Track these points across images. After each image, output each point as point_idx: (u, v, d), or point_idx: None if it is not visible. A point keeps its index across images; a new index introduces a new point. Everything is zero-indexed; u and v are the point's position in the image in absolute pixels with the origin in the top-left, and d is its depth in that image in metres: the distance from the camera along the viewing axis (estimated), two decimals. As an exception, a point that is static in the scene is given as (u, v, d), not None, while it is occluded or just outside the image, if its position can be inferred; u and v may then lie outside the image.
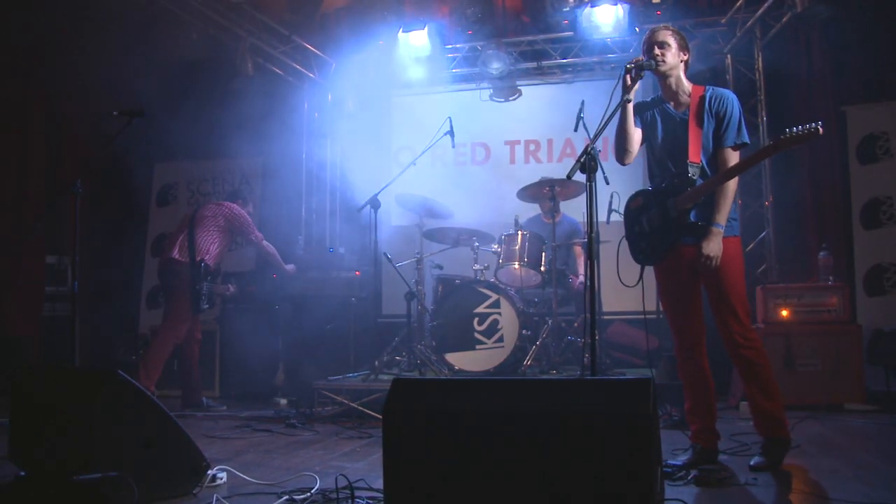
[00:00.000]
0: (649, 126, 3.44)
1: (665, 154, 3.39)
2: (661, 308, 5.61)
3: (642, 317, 6.64)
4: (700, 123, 3.29)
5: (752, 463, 3.26)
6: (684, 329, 3.38)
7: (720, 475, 3.04)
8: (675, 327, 3.42)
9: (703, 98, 3.30)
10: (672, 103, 3.38)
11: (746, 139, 3.26)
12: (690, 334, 3.37)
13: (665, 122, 3.39)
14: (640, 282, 3.40)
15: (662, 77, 3.34)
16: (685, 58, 3.35)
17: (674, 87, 3.35)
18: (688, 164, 3.25)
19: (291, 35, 6.98)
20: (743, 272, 3.34)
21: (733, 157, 3.25)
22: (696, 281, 3.35)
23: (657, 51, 3.29)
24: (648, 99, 3.50)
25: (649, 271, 3.51)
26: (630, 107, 3.33)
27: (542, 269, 5.32)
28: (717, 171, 3.23)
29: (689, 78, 3.39)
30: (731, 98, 3.29)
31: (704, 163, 3.27)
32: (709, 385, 3.38)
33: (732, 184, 3.22)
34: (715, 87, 3.35)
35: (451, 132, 5.38)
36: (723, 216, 3.19)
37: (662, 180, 3.37)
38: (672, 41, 3.31)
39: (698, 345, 3.37)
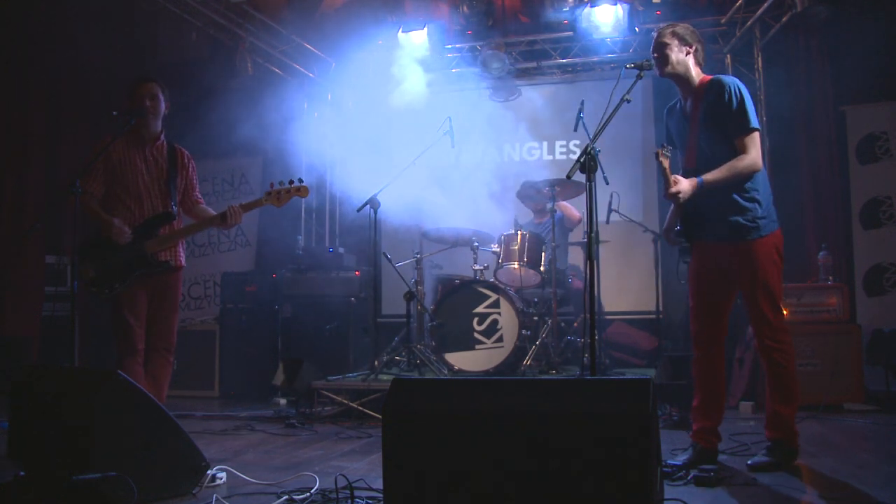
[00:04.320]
0: (671, 121, 3.47)
1: (680, 153, 3.41)
2: (660, 308, 5.66)
3: (642, 317, 6.68)
4: (696, 122, 3.28)
5: (749, 462, 3.25)
6: (705, 325, 3.35)
7: (720, 475, 3.04)
8: (697, 322, 3.38)
9: (702, 91, 3.28)
10: (684, 100, 3.39)
11: (752, 124, 3.13)
12: (710, 331, 3.34)
13: (679, 121, 3.42)
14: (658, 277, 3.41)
15: (670, 78, 3.35)
16: (692, 50, 3.29)
17: (682, 84, 3.35)
18: (684, 169, 3.26)
19: (291, 35, 6.98)
20: (776, 272, 3.28)
21: (744, 147, 3.13)
22: (727, 281, 3.31)
23: (656, 54, 3.31)
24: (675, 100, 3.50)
25: (652, 269, 3.52)
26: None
27: (542, 269, 5.32)
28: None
29: None
30: (727, 84, 3.18)
31: (703, 165, 3.22)
32: (720, 385, 3.36)
33: (745, 165, 3.12)
34: (717, 77, 3.26)
35: (450, 132, 5.38)
36: (712, 177, 3.11)
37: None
38: (671, 40, 3.28)
39: (716, 344, 3.35)
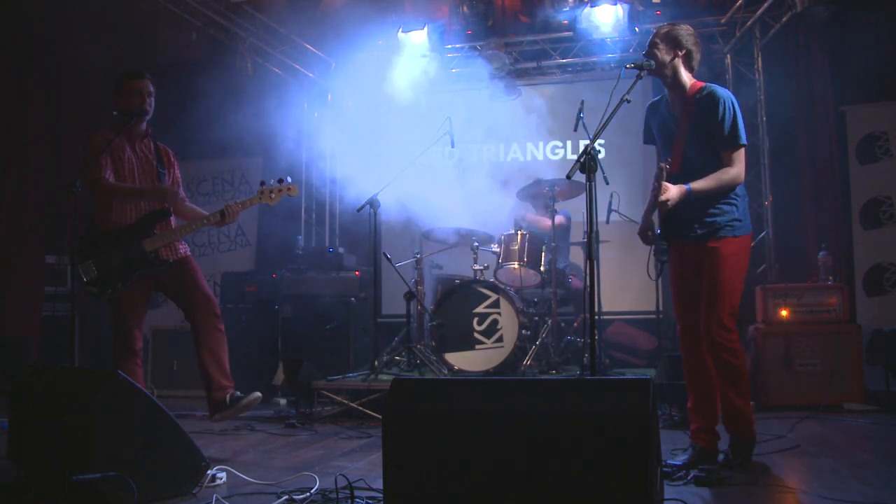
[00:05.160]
0: (654, 120, 3.48)
1: (663, 154, 3.43)
2: (660, 308, 5.65)
3: (642, 317, 6.67)
4: (685, 129, 3.30)
5: (718, 459, 3.28)
6: (689, 325, 3.37)
7: (720, 475, 3.04)
8: (681, 322, 3.41)
9: (693, 99, 3.29)
10: (672, 102, 3.39)
11: (741, 140, 3.21)
12: (695, 331, 3.35)
13: (664, 122, 3.42)
14: (658, 276, 3.47)
15: (658, 78, 3.36)
16: (681, 54, 3.29)
17: (670, 86, 3.36)
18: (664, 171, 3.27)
19: (291, 35, 6.98)
20: (740, 274, 3.29)
21: (731, 161, 3.21)
22: (701, 279, 3.33)
23: (645, 54, 3.33)
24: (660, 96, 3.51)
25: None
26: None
27: (542, 269, 5.32)
28: (708, 174, 3.21)
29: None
30: (721, 98, 3.22)
31: (687, 171, 3.24)
32: (712, 383, 3.36)
33: (730, 178, 3.19)
34: (710, 88, 3.29)
35: (450, 132, 5.38)
36: (699, 186, 3.18)
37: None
38: (659, 41, 3.30)
39: (702, 342, 3.36)
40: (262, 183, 3.99)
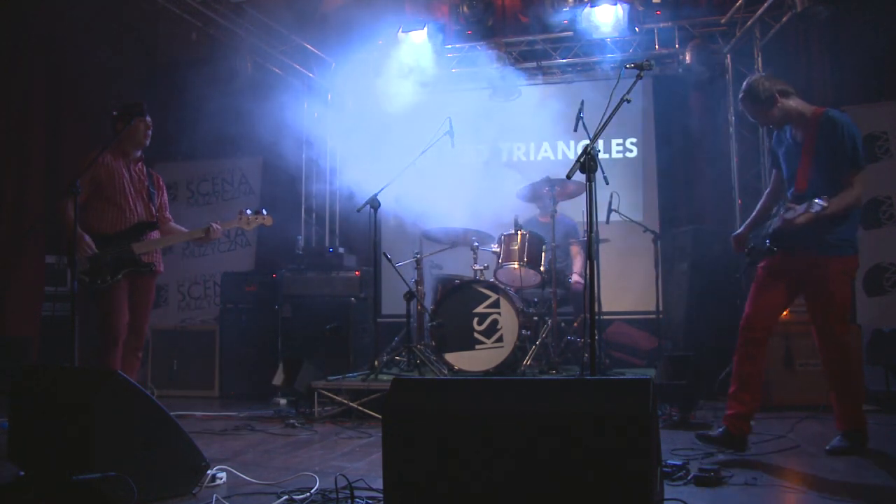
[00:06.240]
0: (780, 148, 3.69)
1: (788, 177, 3.62)
2: (661, 308, 5.65)
3: (642, 317, 6.67)
4: (810, 152, 3.45)
5: (827, 448, 3.57)
6: (759, 315, 3.53)
7: (720, 475, 3.04)
8: (752, 308, 3.56)
9: (816, 125, 3.45)
10: (794, 130, 3.58)
11: (860, 163, 3.37)
12: (762, 323, 3.53)
13: (788, 148, 3.61)
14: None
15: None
16: (778, 97, 3.50)
17: (786, 119, 3.57)
18: (792, 192, 3.47)
19: (291, 35, 6.98)
20: (847, 292, 3.54)
21: (851, 183, 3.36)
22: (796, 287, 3.55)
23: (759, 123, 3.82)
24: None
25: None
26: None
27: (542, 269, 5.32)
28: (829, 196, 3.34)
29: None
30: (840, 123, 3.40)
31: (813, 191, 3.34)
32: (758, 374, 3.53)
33: (853, 199, 3.36)
34: (830, 113, 3.46)
35: (450, 132, 5.38)
36: (830, 210, 3.27)
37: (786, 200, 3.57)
38: (751, 111, 3.60)
39: (763, 333, 3.53)
40: (241, 212, 4.43)
